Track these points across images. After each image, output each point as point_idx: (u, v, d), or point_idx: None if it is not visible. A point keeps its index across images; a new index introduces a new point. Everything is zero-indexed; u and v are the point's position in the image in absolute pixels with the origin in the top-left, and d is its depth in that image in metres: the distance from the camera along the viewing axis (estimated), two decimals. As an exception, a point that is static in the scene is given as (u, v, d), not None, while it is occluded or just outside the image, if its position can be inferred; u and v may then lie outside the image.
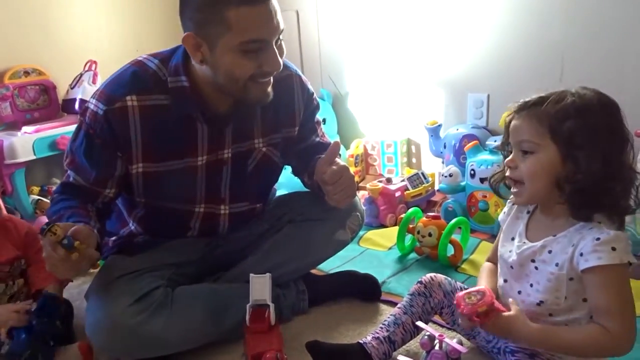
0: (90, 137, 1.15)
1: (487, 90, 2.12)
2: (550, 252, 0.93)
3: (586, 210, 0.89)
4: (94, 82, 2.20)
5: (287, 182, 1.86)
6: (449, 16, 2.16)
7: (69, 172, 1.21)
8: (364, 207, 1.49)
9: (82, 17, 2.41)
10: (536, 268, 0.96)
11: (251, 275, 1.20)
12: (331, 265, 1.56)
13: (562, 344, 0.92)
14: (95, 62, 2.25)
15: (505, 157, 1.00)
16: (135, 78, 1.14)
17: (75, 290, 1.57)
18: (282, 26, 1.09)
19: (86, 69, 2.26)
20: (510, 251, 1.01)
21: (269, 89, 1.15)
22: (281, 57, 1.11)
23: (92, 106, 1.14)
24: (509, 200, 1.07)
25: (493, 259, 1.13)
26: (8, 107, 2.14)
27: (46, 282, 1.29)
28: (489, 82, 2.11)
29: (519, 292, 0.99)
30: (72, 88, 2.24)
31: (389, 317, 1.19)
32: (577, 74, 1.86)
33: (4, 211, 1.44)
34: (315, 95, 1.37)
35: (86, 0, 2.42)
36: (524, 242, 0.98)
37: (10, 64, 2.18)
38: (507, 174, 0.97)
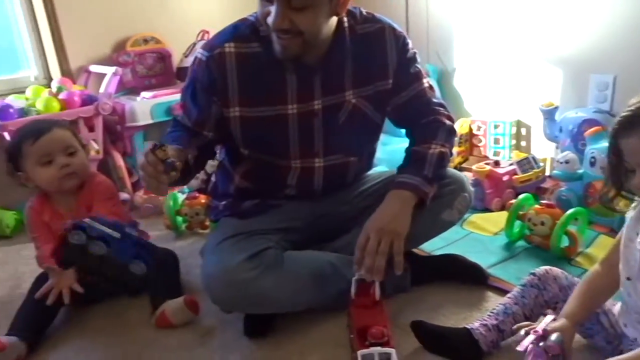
0: (195, 82, 1.26)
1: (614, 72, 1.94)
2: None
3: None
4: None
5: (389, 157, 1.84)
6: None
7: (179, 112, 1.32)
8: (472, 188, 1.43)
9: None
10: None
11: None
12: (434, 246, 1.53)
13: None
14: (207, 32, 2.33)
15: (613, 172, 0.95)
16: (235, 29, 1.25)
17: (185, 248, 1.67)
18: None
19: (199, 38, 2.35)
20: (638, 249, 0.93)
21: (292, 47, 1.15)
22: (302, 18, 1.10)
23: (199, 55, 1.26)
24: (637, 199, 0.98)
25: (609, 261, 1.03)
26: (129, 73, 2.29)
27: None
28: (616, 63, 1.92)
29: None
30: (185, 57, 2.34)
31: (498, 306, 1.16)
32: None
33: (92, 168, 1.56)
34: (411, 46, 1.33)
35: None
36: None
37: (130, 32, 2.33)
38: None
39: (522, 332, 0.97)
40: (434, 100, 1.36)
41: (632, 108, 0.90)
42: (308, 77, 1.24)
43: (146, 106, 2.12)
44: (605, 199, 1.00)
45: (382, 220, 1.19)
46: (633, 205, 1.00)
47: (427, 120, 1.34)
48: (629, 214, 1.01)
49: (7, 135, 1.84)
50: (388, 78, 1.30)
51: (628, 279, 0.96)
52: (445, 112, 1.36)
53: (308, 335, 1.26)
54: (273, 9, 1.10)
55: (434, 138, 1.30)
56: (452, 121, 1.37)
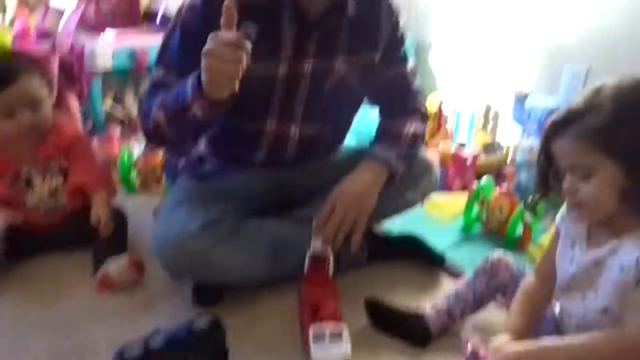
0: (186, 31, 1.13)
1: (588, 62, 1.94)
2: (615, 255, 0.86)
3: None
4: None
5: (358, 128, 1.80)
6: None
7: (159, 71, 1.18)
8: (438, 174, 1.43)
9: None
10: (600, 274, 0.88)
11: (315, 219, 1.18)
12: (391, 224, 1.52)
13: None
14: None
15: (541, 175, 0.93)
16: None
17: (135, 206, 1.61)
18: None
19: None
20: (571, 260, 0.94)
21: None
22: None
23: (188, 1, 1.13)
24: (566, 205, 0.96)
25: (542, 271, 1.03)
26: (91, 9, 2.14)
27: (84, 179, 1.37)
28: (590, 53, 1.93)
29: (583, 298, 0.92)
30: (155, -2, 2.20)
31: (450, 290, 1.17)
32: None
33: (52, 119, 1.42)
34: (402, 24, 1.30)
35: None
36: (587, 248, 0.91)
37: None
38: (568, 200, 0.90)
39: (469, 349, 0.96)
40: (414, 87, 1.36)
41: (565, 109, 0.86)
42: (306, 32, 1.16)
43: (107, 49, 1.99)
44: (531, 204, 0.99)
45: (350, 193, 1.18)
46: (561, 212, 0.98)
47: (405, 105, 1.34)
48: (558, 221, 0.99)
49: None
50: (377, 51, 1.26)
51: (562, 291, 0.97)
52: (422, 102, 1.37)
53: (258, 306, 1.24)
54: None
55: (411, 119, 1.31)
56: (427, 111, 1.38)
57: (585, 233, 0.93)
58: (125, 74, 2.18)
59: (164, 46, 1.18)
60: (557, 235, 1.00)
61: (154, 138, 1.22)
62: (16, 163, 1.35)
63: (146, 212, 1.52)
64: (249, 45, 0.95)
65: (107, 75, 2.06)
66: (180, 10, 1.15)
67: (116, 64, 2.01)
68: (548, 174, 0.92)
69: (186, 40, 1.13)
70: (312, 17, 1.15)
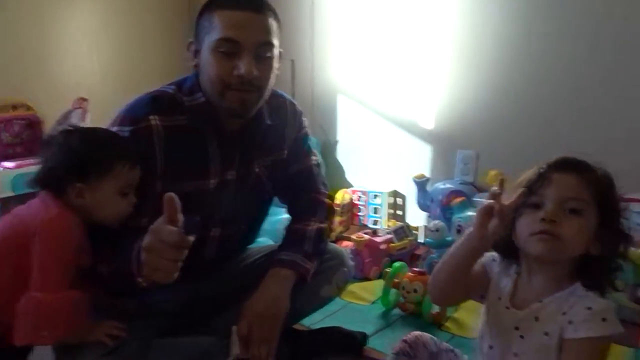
0: None
1: (477, 148, 2.15)
2: (537, 319, 0.90)
3: (594, 277, 0.89)
4: (82, 119, 2.19)
5: (272, 228, 1.83)
6: (441, 73, 2.21)
7: None
8: (351, 263, 1.45)
9: (75, 53, 2.42)
10: (521, 337, 0.92)
11: (233, 327, 1.15)
12: (313, 319, 1.51)
13: None
14: (86, 100, 2.24)
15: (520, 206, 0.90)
16: (155, 101, 1.16)
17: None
18: (267, 40, 1.12)
19: (75, 106, 2.24)
20: (498, 313, 0.97)
21: (251, 102, 1.15)
22: (263, 71, 1.13)
23: (115, 129, 1.13)
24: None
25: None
26: (-7, 138, 2.11)
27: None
28: (478, 140, 2.14)
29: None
30: (59, 124, 2.21)
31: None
32: (565, 140, 1.90)
33: None
34: (306, 123, 1.39)
35: (81, 36, 2.44)
36: (509, 307, 0.94)
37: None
38: (545, 226, 0.87)
39: None
40: (319, 178, 1.42)
41: (570, 156, 0.93)
42: (229, 148, 1.22)
43: (7, 177, 1.95)
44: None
45: (261, 305, 1.16)
46: (494, 256, 1.00)
47: (309, 197, 1.38)
48: (488, 261, 1.00)
49: None
50: (284, 149, 1.33)
51: (490, 347, 0.97)
52: (326, 192, 1.42)
53: None
54: (243, 60, 1.09)
55: (314, 215, 1.34)
56: (331, 200, 1.43)
57: (510, 289, 0.96)
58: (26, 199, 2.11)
59: None
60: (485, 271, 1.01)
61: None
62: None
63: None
64: (190, 240, 0.92)
65: (8, 203, 1.99)
66: None
67: (17, 191, 1.96)
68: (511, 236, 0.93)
69: None
70: (234, 131, 1.21)
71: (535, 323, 0.90)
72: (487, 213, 0.87)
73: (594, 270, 0.89)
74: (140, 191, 1.11)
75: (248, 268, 1.38)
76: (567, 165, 0.91)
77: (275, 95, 1.30)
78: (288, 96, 1.37)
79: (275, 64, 1.18)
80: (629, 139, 1.82)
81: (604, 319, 0.84)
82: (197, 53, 1.16)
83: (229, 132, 1.21)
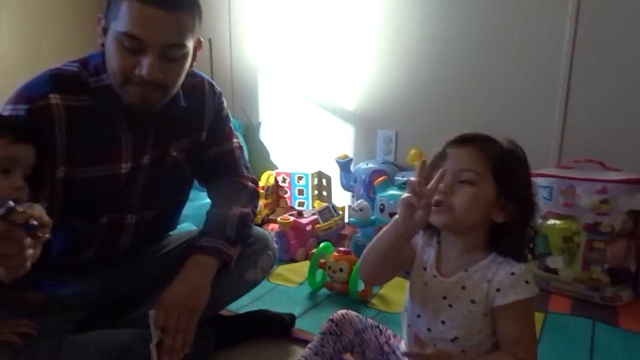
0: None
1: (396, 128, 2.20)
2: (464, 288, 0.95)
3: (507, 246, 0.95)
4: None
5: (195, 213, 1.78)
6: (360, 55, 2.23)
7: None
8: (275, 245, 1.44)
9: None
10: (450, 305, 0.96)
11: (151, 312, 1.10)
12: (240, 303, 1.49)
13: None
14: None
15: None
16: (56, 79, 1.08)
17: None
18: (177, 42, 1.06)
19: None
20: (425, 283, 1.00)
21: (153, 100, 1.10)
22: (170, 72, 1.08)
23: (7, 112, 1.04)
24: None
25: None
26: None
27: None
28: (397, 120, 2.20)
29: (429, 330, 0.99)
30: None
31: (299, 358, 1.16)
32: (476, 118, 1.99)
33: None
34: (225, 104, 1.36)
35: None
36: (436, 276, 0.99)
37: None
38: (438, 197, 0.92)
39: None
40: (241, 161, 1.38)
41: (470, 132, 0.98)
42: (143, 133, 1.16)
43: None
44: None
45: (179, 294, 1.12)
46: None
47: (231, 181, 1.34)
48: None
49: None
50: (203, 131, 1.29)
51: (418, 316, 1.01)
52: (250, 175, 1.39)
53: None
54: (146, 59, 1.02)
55: (236, 199, 1.30)
56: (256, 184, 1.40)
57: (434, 259, 1.00)
58: None
59: None
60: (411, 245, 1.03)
61: None
62: None
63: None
64: (21, 234, 0.85)
65: None
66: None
67: None
68: None
69: None
70: (149, 117, 1.15)
71: (462, 291, 0.95)
72: (409, 206, 0.89)
73: (505, 238, 0.95)
74: (36, 175, 1.03)
75: (167, 255, 1.33)
76: (462, 141, 0.97)
77: (192, 75, 1.25)
78: (206, 76, 1.32)
79: (188, 61, 1.12)
80: (535, 118, 1.94)
81: (527, 282, 0.92)
82: (105, 31, 1.08)
83: (139, 116, 1.14)
